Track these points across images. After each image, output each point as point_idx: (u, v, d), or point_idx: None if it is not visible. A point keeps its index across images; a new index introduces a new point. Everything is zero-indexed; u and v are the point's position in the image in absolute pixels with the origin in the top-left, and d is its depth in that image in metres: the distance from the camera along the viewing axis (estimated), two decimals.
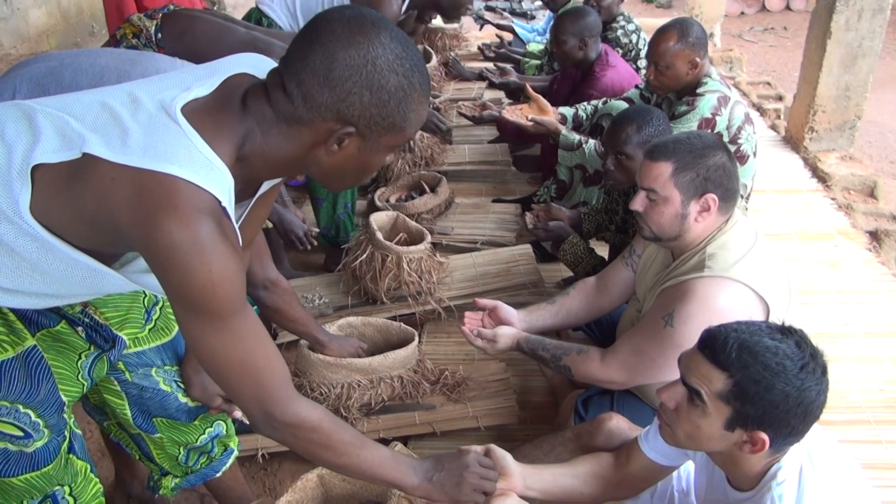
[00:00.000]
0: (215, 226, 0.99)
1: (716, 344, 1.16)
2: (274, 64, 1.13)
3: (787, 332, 1.15)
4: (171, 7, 2.08)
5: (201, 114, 1.03)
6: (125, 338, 1.42)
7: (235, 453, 1.78)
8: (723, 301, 1.53)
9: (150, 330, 1.49)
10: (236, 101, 1.06)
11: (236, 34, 1.99)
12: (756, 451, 1.16)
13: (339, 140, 1.05)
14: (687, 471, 1.58)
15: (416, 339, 2.17)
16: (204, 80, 1.08)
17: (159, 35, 1.97)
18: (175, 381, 1.56)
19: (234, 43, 1.93)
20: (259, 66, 1.15)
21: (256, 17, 2.69)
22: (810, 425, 1.14)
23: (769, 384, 1.10)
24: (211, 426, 1.67)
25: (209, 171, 1.00)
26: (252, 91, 1.08)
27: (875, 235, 3.21)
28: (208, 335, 1.05)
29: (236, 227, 1.07)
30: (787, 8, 8.76)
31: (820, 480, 1.18)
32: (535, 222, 2.53)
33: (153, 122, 1.01)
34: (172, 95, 1.04)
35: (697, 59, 2.43)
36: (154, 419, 1.56)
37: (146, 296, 1.47)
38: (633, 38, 3.59)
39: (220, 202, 1.01)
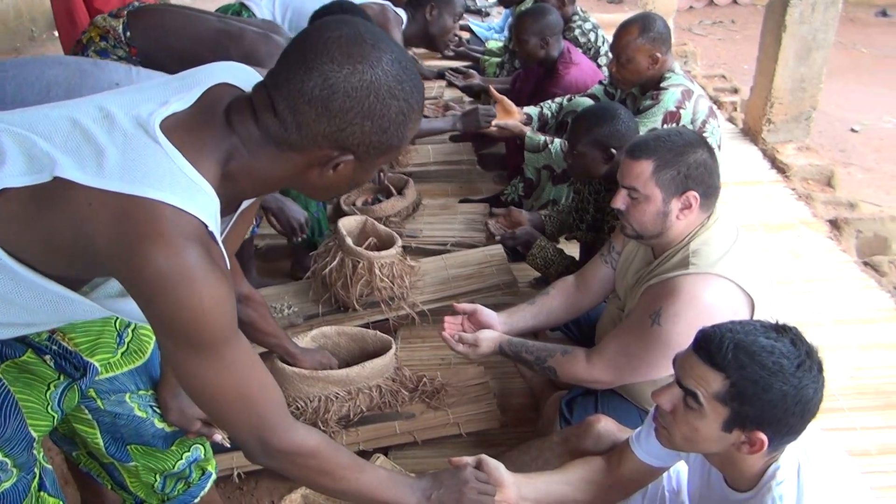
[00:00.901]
0: (203, 252, 0.93)
1: (711, 345, 1.14)
2: (256, 76, 1.07)
3: (781, 330, 1.15)
4: (136, 4, 2.00)
5: (182, 130, 0.96)
6: (97, 364, 1.34)
7: (213, 476, 1.70)
8: (709, 297, 1.53)
9: (122, 354, 1.40)
10: (219, 116, 1.00)
11: (207, 23, 1.92)
12: (754, 452, 1.15)
13: (335, 165, 1.00)
14: (677, 470, 1.57)
15: (394, 347, 2.12)
16: (182, 92, 1.01)
17: (128, 33, 1.89)
18: (150, 406, 1.48)
19: (206, 31, 1.87)
20: (240, 76, 1.08)
21: (236, 9, 2.61)
22: (808, 423, 1.14)
23: (767, 384, 1.09)
24: (188, 451, 1.59)
25: (194, 194, 0.93)
26: (235, 106, 1.01)
27: (835, 224, 3.28)
28: (200, 367, 0.99)
29: (223, 249, 1.01)
30: (734, 1, 8.94)
31: (818, 477, 1.17)
32: (500, 231, 2.52)
33: (130, 141, 0.93)
34: (149, 110, 0.96)
35: (658, 55, 2.44)
36: (128, 447, 1.48)
37: (118, 318, 1.39)
38: (591, 36, 3.60)
39: (206, 226, 0.94)
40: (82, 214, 0.91)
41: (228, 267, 1.04)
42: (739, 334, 1.13)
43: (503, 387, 2.37)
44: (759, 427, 1.11)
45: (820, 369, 1.12)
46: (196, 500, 1.66)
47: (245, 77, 1.09)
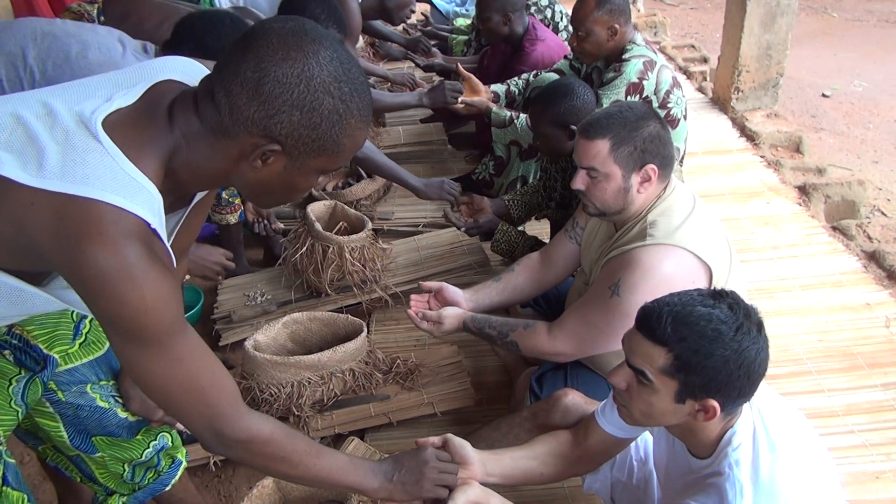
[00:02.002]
0: (144, 250, 0.92)
1: (651, 321, 1.16)
2: (205, 70, 1.06)
3: (718, 296, 1.16)
4: None
5: (124, 127, 0.95)
6: (56, 356, 1.34)
7: (184, 464, 1.71)
8: (666, 268, 1.54)
9: (80, 345, 1.40)
10: (162, 112, 0.99)
11: (181, 12, 1.89)
12: (710, 419, 1.17)
13: (264, 156, 0.98)
14: (644, 440, 1.60)
15: (365, 330, 2.12)
16: (126, 88, 1.00)
17: (102, 18, 1.87)
18: (112, 397, 1.48)
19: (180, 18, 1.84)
20: (189, 71, 1.08)
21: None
22: (757, 384, 1.16)
23: (708, 351, 1.11)
24: (155, 439, 1.59)
25: (135, 193, 0.93)
26: (180, 100, 1.00)
27: (803, 190, 3.30)
28: (148, 361, 0.99)
29: (168, 245, 1.01)
30: None
31: (773, 440, 1.20)
32: (461, 221, 2.52)
33: (71, 139, 0.93)
34: (92, 107, 0.95)
35: (617, 26, 2.43)
36: (93, 438, 1.48)
37: (74, 310, 1.38)
38: (548, 13, 3.57)
39: (148, 224, 0.94)
40: (24, 214, 0.90)
41: (175, 263, 1.04)
42: (677, 306, 1.15)
43: (477, 365, 2.39)
44: (709, 394, 1.13)
45: (759, 329, 1.14)
46: (167, 488, 1.67)
47: (193, 72, 1.08)
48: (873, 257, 2.80)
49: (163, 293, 0.95)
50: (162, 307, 0.95)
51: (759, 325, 1.14)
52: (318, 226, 2.49)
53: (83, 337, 1.40)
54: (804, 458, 1.22)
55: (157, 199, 0.96)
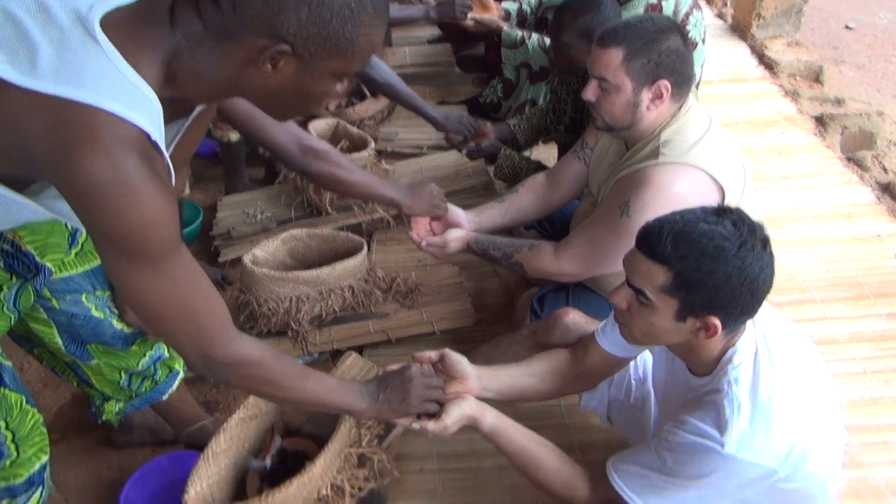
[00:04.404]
0: (143, 162, 0.87)
1: (651, 239, 1.13)
2: None
3: (722, 213, 1.12)
4: None
5: (123, 28, 0.88)
6: (49, 265, 1.31)
7: (181, 375, 1.71)
8: (678, 187, 1.49)
9: (76, 254, 1.38)
10: (163, 13, 0.91)
11: None
12: (711, 336, 1.14)
13: (273, 60, 0.91)
14: (643, 360, 1.59)
15: (365, 247, 2.10)
16: None
17: None
18: (108, 307, 1.46)
19: None
20: None
21: None
22: (760, 301, 1.13)
23: (709, 269, 1.07)
24: (151, 349, 1.59)
25: (133, 100, 0.86)
26: (181, 1, 0.92)
27: (820, 120, 3.21)
28: (140, 280, 0.95)
29: (168, 158, 0.95)
30: None
31: (774, 360, 1.18)
32: (460, 143, 2.45)
33: (67, 38, 0.85)
34: (90, 3, 0.88)
35: None
36: (88, 346, 1.48)
37: None
38: None
39: (148, 136, 0.88)
40: (15, 116, 0.85)
41: (174, 177, 0.99)
42: (678, 224, 1.11)
43: (479, 286, 2.37)
44: (710, 311, 1.10)
45: (765, 245, 1.10)
46: (164, 398, 1.68)
47: None
48: (887, 189, 2.74)
49: (161, 210, 0.90)
50: (159, 225, 0.91)
51: (765, 242, 1.10)
52: None
53: (79, 246, 1.38)
54: (805, 379, 1.20)
55: (157, 108, 0.90)
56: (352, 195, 1.75)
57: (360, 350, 2.06)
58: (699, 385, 1.25)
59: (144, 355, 1.56)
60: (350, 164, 1.70)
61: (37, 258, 1.28)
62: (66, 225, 1.34)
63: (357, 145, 2.60)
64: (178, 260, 0.97)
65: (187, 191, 2.27)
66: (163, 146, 0.93)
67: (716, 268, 1.07)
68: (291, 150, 1.59)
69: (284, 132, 1.57)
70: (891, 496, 1.70)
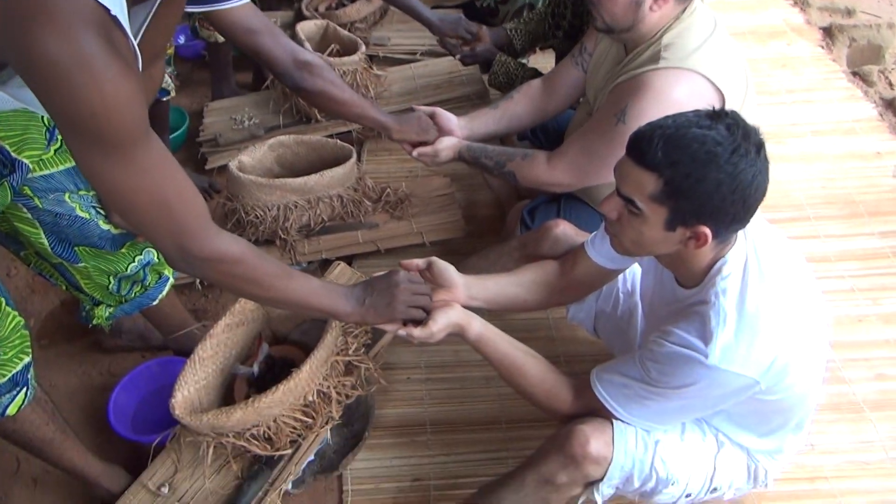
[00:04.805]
0: (103, 41, 0.80)
1: (642, 145, 1.08)
2: None
3: (716, 116, 1.07)
4: None
5: None
6: (26, 161, 1.27)
7: (171, 281, 1.70)
8: (678, 93, 1.43)
9: (56, 151, 1.33)
10: None
11: None
12: (701, 246, 1.12)
13: None
14: (633, 272, 1.58)
15: (354, 155, 2.05)
16: None
17: None
18: (93, 208, 1.43)
19: None
20: None
21: None
22: (752, 210, 1.09)
23: (700, 175, 1.03)
24: (140, 254, 1.57)
25: None
26: None
27: (828, 31, 3.10)
28: (108, 169, 0.90)
29: (132, 39, 0.89)
30: None
31: (763, 273, 1.16)
32: (459, 49, 2.35)
33: None
34: None
35: None
36: (75, 248, 1.45)
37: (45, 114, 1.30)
38: None
39: (108, 10, 0.82)
40: None
41: (140, 60, 0.93)
42: (670, 129, 1.06)
43: (470, 198, 2.34)
44: (700, 220, 1.07)
45: (759, 150, 1.05)
46: (154, 303, 1.67)
47: None
48: (891, 105, 2.67)
49: (124, 93, 0.84)
50: (123, 109, 0.85)
51: (759, 147, 1.06)
52: (308, 45, 2.34)
53: (58, 143, 1.33)
54: (793, 294, 1.19)
55: None
56: (341, 115, 1.71)
57: (349, 260, 2.05)
58: (686, 297, 1.24)
59: (134, 259, 1.54)
60: (343, 84, 1.67)
61: (12, 153, 1.24)
62: (43, 119, 1.29)
63: (347, 49, 2.50)
64: (148, 150, 0.93)
65: (173, 93, 2.19)
66: (126, 25, 0.87)
67: (706, 174, 1.03)
68: (285, 63, 1.55)
69: (278, 45, 1.53)
70: (869, 411, 1.73)
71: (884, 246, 2.14)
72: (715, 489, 1.36)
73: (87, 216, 1.42)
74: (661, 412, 1.25)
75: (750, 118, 1.37)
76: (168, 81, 2.16)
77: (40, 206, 1.36)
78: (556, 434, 1.32)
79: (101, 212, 1.45)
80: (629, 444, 1.27)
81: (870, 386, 1.79)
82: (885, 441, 1.67)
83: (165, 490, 1.50)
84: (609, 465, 1.26)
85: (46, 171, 1.33)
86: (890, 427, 1.70)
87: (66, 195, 1.38)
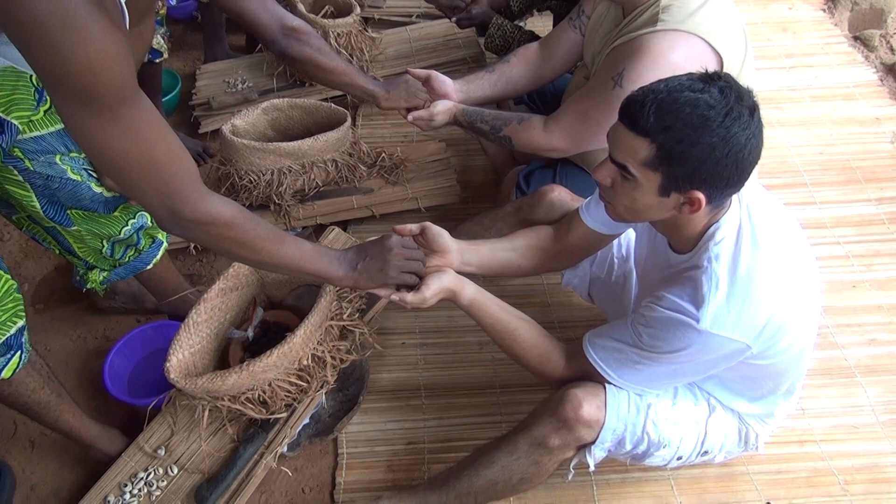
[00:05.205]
0: None
1: (634, 110, 1.06)
2: None
3: (709, 79, 1.05)
4: None
5: None
6: (15, 122, 1.25)
7: (165, 245, 1.70)
8: (676, 56, 1.41)
9: (45, 112, 1.31)
10: None
11: None
12: (695, 211, 1.11)
13: None
14: (627, 238, 1.57)
15: (349, 119, 2.03)
16: None
17: None
18: (85, 170, 1.42)
19: None
20: None
21: None
22: (746, 173, 1.08)
23: (693, 140, 1.02)
24: (134, 217, 1.56)
25: None
26: None
27: None
28: (96, 129, 0.89)
29: None
30: None
31: (757, 238, 1.15)
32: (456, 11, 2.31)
33: None
34: None
35: None
36: (68, 211, 1.44)
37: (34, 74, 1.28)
38: None
39: None
40: None
41: (127, 18, 0.91)
42: (662, 93, 1.04)
43: (465, 164, 2.33)
44: (694, 185, 1.06)
45: (752, 114, 1.04)
46: (149, 267, 1.67)
47: None
48: (891, 70, 2.64)
49: (111, 51, 0.83)
50: (109, 66, 0.84)
51: (752, 109, 1.05)
52: (302, 7, 2.30)
53: (48, 104, 1.31)
54: (786, 259, 1.19)
55: None
56: (328, 83, 1.70)
57: (343, 226, 2.05)
58: (679, 262, 1.24)
59: (127, 223, 1.53)
60: (331, 51, 1.66)
61: (0, 114, 1.22)
62: (31, 79, 1.27)
63: (341, 11, 2.46)
64: (136, 109, 0.91)
65: (165, 55, 2.15)
66: None
67: (699, 138, 1.02)
68: (272, 30, 1.54)
69: (265, 11, 1.51)
70: (860, 375, 1.75)
71: (879, 212, 2.13)
72: (706, 452, 1.38)
73: (79, 178, 1.41)
74: (652, 377, 1.26)
75: (748, 83, 1.36)
76: (161, 42, 2.12)
77: (31, 168, 1.34)
78: (548, 398, 1.33)
79: (93, 174, 1.44)
80: (621, 407, 1.28)
81: (862, 351, 1.80)
82: (875, 405, 1.69)
83: (162, 452, 1.52)
84: (601, 428, 1.27)
85: (37, 133, 1.32)
86: (880, 391, 1.71)
87: (57, 157, 1.37)
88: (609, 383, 1.28)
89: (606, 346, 1.27)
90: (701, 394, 1.37)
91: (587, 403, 1.27)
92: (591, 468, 1.32)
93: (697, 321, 1.10)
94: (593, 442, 1.30)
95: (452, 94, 1.80)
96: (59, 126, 1.34)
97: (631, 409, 1.29)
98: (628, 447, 1.32)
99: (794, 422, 1.64)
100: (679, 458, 1.36)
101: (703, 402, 1.37)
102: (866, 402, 1.70)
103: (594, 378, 1.29)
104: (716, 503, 1.53)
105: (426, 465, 1.61)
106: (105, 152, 0.92)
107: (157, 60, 2.16)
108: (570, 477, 1.39)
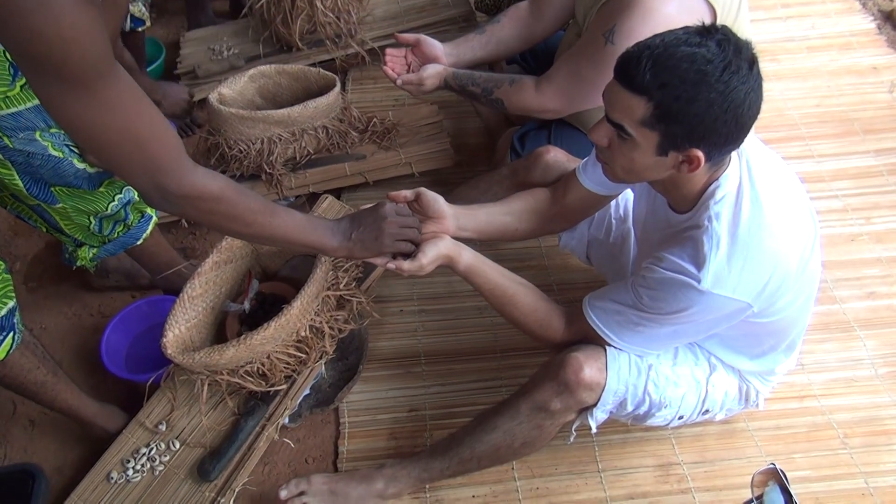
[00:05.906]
0: None
1: (630, 67, 1.03)
2: None
3: (706, 32, 1.02)
4: None
5: None
6: None
7: (154, 219, 1.67)
8: (669, 9, 1.37)
9: (21, 87, 1.28)
10: None
11: None
12: (694, 170, 1.09)
13: None
14: (625, 198, 1.55)
15: (338, 85, 1.98)
16: None
17: None
18: (66, 146, 1.38)
19: None
20: None
21: None
22: (746, 129, 1.06)
23: (690, 96, 0.99)
24: (120, 192, 1.53)
25: None
26: None
27: None
28: (72, 106, 0.85)
29: None
30: None
31: (758, 194, 1.13)
32: None
33: None
34: None
35: None
36: (52, 188, 1.41)
37: None
38: None
39: None
40: None
41: None
42: (658, 49, 1.01)
43: (458, 126, 2.29)
44: (693, 143, 1.04)
45: (751, 67, 1.01)
46: (139, 242, 1.65)
47: None
48: (890, 18, 2.59)
49: (83, 23, 0.79)
50: (83, 40, 0.80)
51: (751, 62, 1.01)
52: None
53: (24, 79, 1.27)
54: (787, 216, 1.17)
55: None
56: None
57: (337, 193, 2.02)
58: (679, 221, 1.22)
59: (113, 198, 1.51)
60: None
61: None
62: (4, 54, 1.23)
63: None
64: (114, 84, 0.87)
65: (148, 23, 2.10)
66: None
67: (697, 94, 0.99)
68: None
69: None
70: (859, 329, 1.75)
71: (878, 164, 2.11)
72: (707, 411, 1.38)
73: (61, 155, 1.38)
74: (653, 338, 1.25)
75: (743, 34, 1.32)
76: (142, 10, 2.07)
77: (11, 145, 1.31)
78: (549, 361, 1.32)
79: (75, 150, 1.41)
80: (622, 369, 1.27)
81: (860, 304, 1.80)
82: (874, 358, 1.69)
83: (163, 427, 1.52)
84: (602, 390, 1.27)
85: (14, 109, 1.28)
86: (878, 344, 1.72)
87: (37, 133, 1.33)
88: (609, 346, 1.28)
89: (607, 308, 1.26)
90: (701, 353, 1.37)
91: (588, 366, 1.26)
92: (593, 430, 1.33)
93: (699, 281, 1.09)
94: (595, 404, 1.29)
95: (442, 57, 1.76)
96: (37, 101, 1.31)
97: (632, 370, 1.28)
98: (630, 408, 1.32)
99: (794, 377, 1.64)
100: (680, 418, 1.37)
101: (703, 362, 1.36)
102: (865, 355, 1.70)
103: (595, 341, 1.29)
104: (717, 460, 1.54)
105: (428, 432, 1.61)
106: (85, 131, 0.89)
107: (140, 29, 2.10)
108: (571, 439, 1.39)
